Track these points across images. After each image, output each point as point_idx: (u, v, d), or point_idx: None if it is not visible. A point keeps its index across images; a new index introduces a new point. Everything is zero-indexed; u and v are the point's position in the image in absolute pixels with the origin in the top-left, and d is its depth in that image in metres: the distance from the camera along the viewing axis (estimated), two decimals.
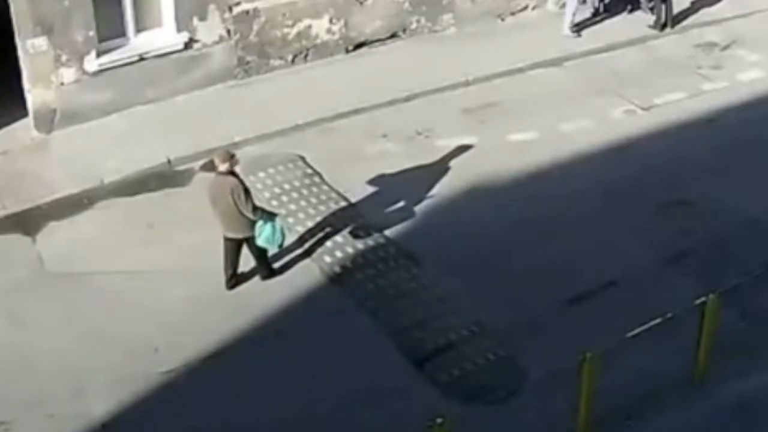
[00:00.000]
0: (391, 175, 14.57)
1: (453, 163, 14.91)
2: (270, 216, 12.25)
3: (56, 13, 14.64)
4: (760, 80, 17.30)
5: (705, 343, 11.08)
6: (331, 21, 17.14)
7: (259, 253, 12.47)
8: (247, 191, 11.99)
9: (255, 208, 12.05)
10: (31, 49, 14.71)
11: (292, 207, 13.99)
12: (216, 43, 16.30)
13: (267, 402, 11.06)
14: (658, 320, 10.77)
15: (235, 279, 12.54)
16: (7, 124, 15.30)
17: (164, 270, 12.90)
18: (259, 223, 12.13)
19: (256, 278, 12.72)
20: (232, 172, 11.98)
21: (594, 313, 12.22)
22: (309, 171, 14.71)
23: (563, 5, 18.57)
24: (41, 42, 14.70)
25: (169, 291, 12.55)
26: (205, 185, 12.51)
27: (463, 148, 15.25)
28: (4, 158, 14.81)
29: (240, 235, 12.22)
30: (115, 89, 15.53)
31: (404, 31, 17.98)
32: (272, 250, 12.59)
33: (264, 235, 12.15)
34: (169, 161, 14.86)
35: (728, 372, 11.30)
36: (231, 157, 12.00)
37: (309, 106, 15.95)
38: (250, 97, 16.29)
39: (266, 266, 12.67)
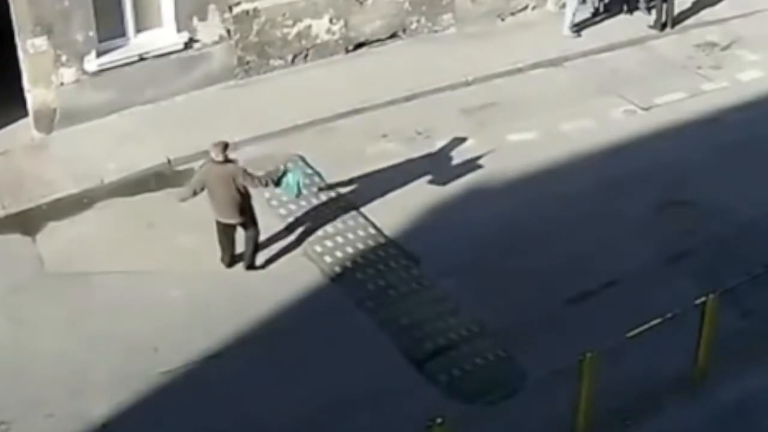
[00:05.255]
0: (391, 175, 14.58)
1: (453, 163, 14.91)
2: (282, 174, 12.78)
3: (56, 13, 14.63)
4: (760, 80, 17.30)
5: (705, 343, 11.08)
6: (331, 21, 17.14)
7: (254, 242, 12.78)
8: (245, 170, 12.40)
9: (261, 180, 12.50)
10: (31, 49, 14.71)
11: (292, 207, 13.98)
12: (216, 43, 16.30)
13: (267, 402, 11.06)
14: (658, 320, 10.77)
15: (234, 259, 12.91)
16: (7, 124, 15.30)
17: (164, 270, 12.89)
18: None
19: (256, 278, 12.73)
20: (229, 160, 12.39)
21: (594, 313, 12.22)
22: (309, 171, 14.71)
23: (563, 5, 18.57)
24: (41, 42, 14.70)
25: (169, 291, 12.56)
26: (201, 169, 12.69)
27: (463, 148, 15.25)
28: (4, 158, 14.81)
29: (235, 221, 12.56)
30: (115, 89, 15.53)
31: (404, 31, 17.98)
32: (292, 195, 13.03)
33: (283, 183, 12.74)
34: (169, 161, 14.86)
35: (728, 372, 11.30)
36: (226, 147, 12.36)
37: (309, 106, 15.95)
38: (250, 97, 16.29)
39: (254, 257, 12.90)
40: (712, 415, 11.02)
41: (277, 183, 12.77)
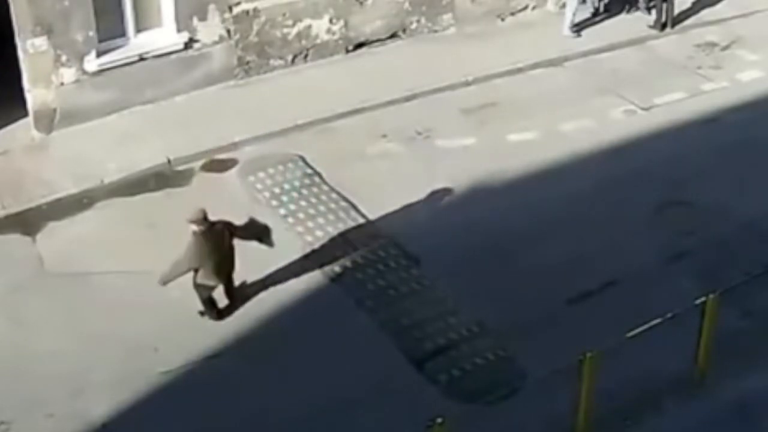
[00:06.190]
0: (391, 175, 14.57)
1: (453, 163, 14.91)
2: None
3: (56, 13, 14.63)
4: (760, 80, 17.31)
5: (705, 343, 11.08)
6: (331, 21, 17.14)
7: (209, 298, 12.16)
8: (232, 223, 11.96)
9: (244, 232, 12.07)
10: (31, 49, 14.70)
11: (292, 207, 13.99)
12: (216, 43, 16.30)
13: (267, 402, 11.06)
14: (658, 320, 10.78)
15: (221, 312, 12.28)
16: (7, 124, 15.31)
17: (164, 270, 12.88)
18: None
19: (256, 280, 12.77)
20: (214, 223, 11.67)
21: (594, 313, 12.22)
22: (309, 171, 14.71)
23: (563, 5, 18.57)
24: (41, 42, 14.70)
25: (169, 291, 12.53)
26: (196, 244, 11.63)
27: (463, 149, 15.25)
28: (4, 158, 14.81)
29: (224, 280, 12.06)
30: (115, 89, 15.53)
31: (404, 31, 17.98)
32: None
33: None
34: (169, 161, 14.86)
35: (728, 372, 11.30)
36: (205, 215, 11.55)
37: (309, 106, 15.95)
38: (250, 97, 16.29)
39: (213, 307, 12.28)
40: (712, 415, 11.02)
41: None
